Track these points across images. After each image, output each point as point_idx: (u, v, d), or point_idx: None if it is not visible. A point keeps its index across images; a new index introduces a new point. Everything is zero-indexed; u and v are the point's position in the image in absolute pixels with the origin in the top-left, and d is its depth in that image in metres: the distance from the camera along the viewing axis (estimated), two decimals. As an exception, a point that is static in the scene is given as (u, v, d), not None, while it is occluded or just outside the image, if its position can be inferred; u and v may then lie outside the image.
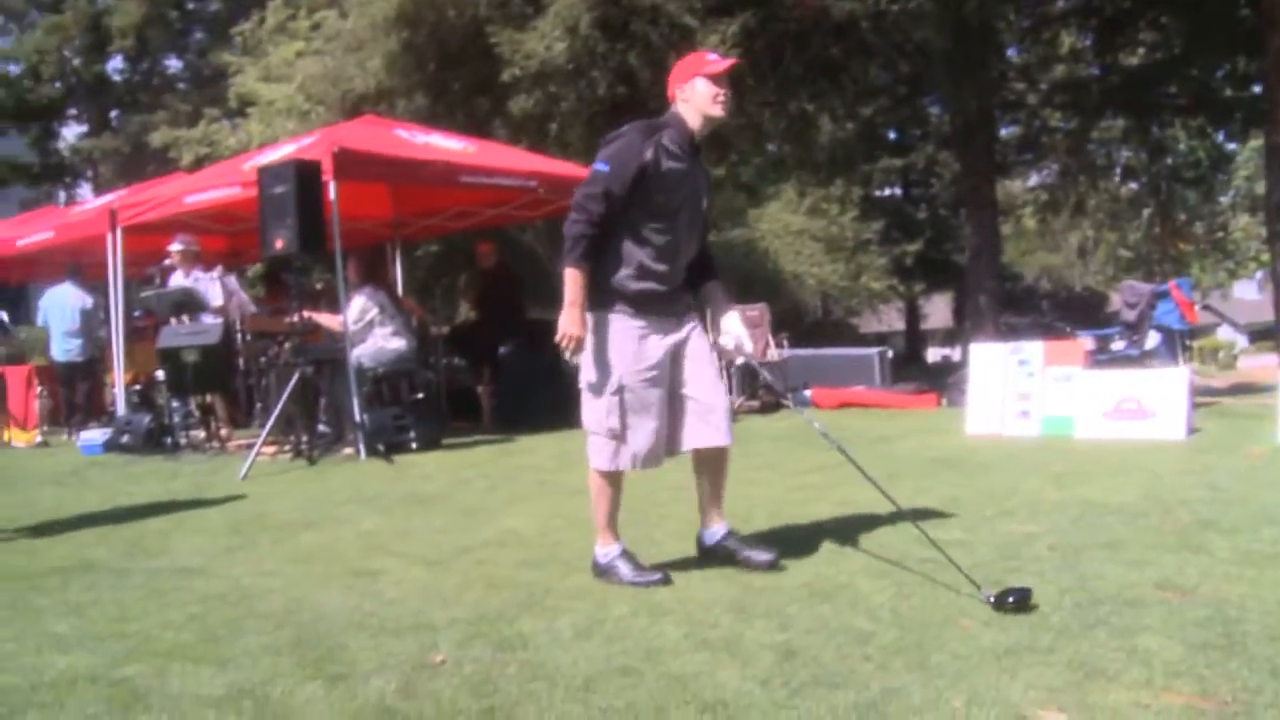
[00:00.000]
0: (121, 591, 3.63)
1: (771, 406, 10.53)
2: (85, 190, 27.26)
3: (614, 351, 3.48)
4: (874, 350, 12.24)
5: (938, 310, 40.42)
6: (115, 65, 27.56)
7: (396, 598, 3.43)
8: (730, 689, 2.48)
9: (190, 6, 27.34)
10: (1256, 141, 20.79)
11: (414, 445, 7.65)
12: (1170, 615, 2.92)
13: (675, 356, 3.59)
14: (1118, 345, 9.18)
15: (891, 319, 37.24)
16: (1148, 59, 16.36)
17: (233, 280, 9.43)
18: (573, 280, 3.41)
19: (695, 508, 3.79)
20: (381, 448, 7.31)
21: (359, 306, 7.98)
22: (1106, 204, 28.37)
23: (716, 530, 3.73)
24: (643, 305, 3.51)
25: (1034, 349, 7.79)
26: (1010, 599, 3.00)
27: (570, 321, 3.41)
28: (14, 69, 25.95)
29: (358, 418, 7.48)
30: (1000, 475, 5.58)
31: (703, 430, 3.62)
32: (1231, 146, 26.13)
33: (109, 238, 9.55)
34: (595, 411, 3.51)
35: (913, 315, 33.21)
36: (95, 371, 11.17)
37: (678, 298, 3.65)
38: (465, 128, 11.51)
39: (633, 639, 2.89)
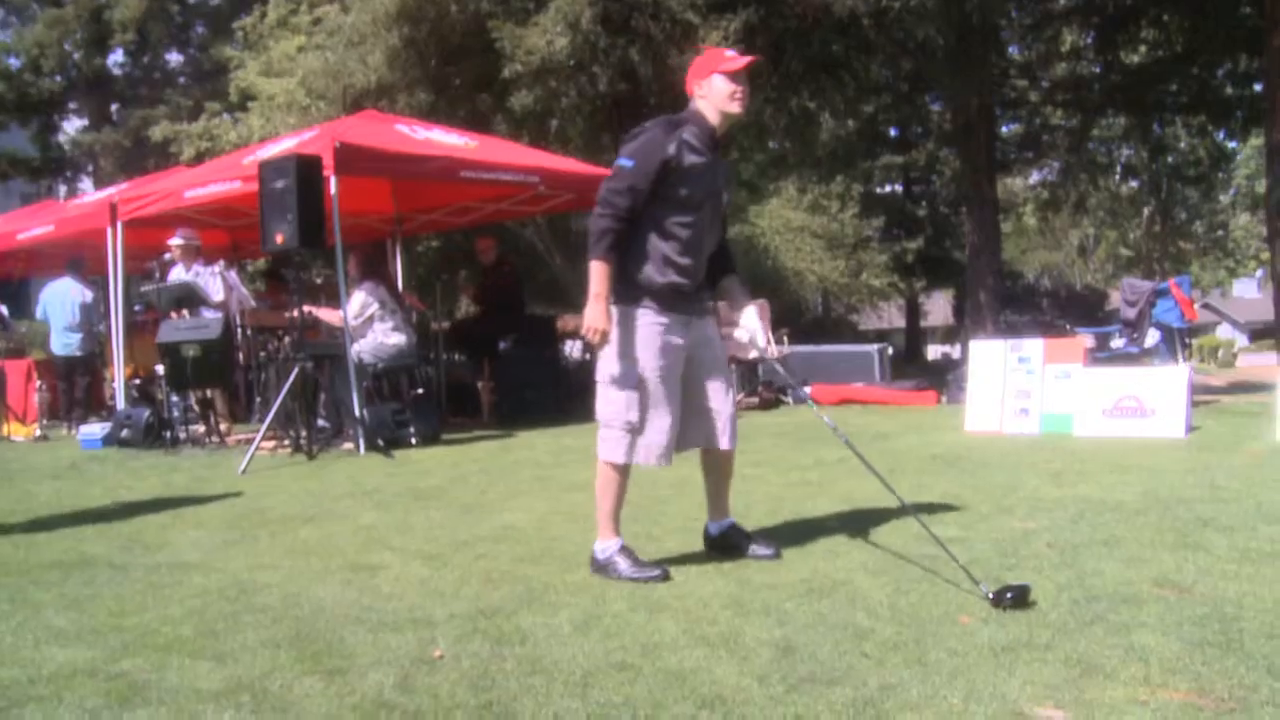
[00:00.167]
0: (120, 586, 3.63)
1: (771, 403, 10.54)
2: (86, 184, 27.28)
3: (637, 346, 3.50)
4: (874, 347, 12.27)
5: (938, 307, 40.48)
6: (116, 59, 27.58)
7: (395, 592, 3.43)
8: (728, 685, 2.48)
9: (191, 1, 27.34)
10: (1257, 140, 20.81)
11: (413, 440, 7.67)
12: (1168, 612, 2.93)
13: (690, 355, 3.62)
14: (1117, 343, 9.19)
15: (892, 316, 37.29)
16: (1149, 57, 16.35)
17: (233, 275, 9.44)
18: (599, 273, 3.43)
19: (694, 504, 3.80)
20: (381, 443, 7.31)
21: (359, 302, 7.99)
22: (1107, 202, 28.41)
23: (724, 521, 3.82)
24: (667, 300, 3.53)
25: (1034, 346, 7.79)
26: (1008, 596, 3.00)
27: (596, 315, 3.42)
28: (15, 63, 25.96)
29: (357, 413, 7.48)
30: (999, 472, 5.58)
31: (709, 432, 3.67)
32: (1232, 145, 26.13)
33: (109, 232, 9.55)
34: (614, 404, 3.52)
35: (913, 312, 33.23)
36: (95, 366, 11.17)
37: (699, 293, 3.68)
38: (466, 123, 11.51)
39: (631, 634, 2.89)
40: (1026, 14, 16.06)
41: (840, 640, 2.77)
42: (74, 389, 10.99)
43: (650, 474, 3.71)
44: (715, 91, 3.56)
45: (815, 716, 2.29)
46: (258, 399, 8.96)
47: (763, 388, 10.64)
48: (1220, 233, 40.89)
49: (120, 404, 9.44)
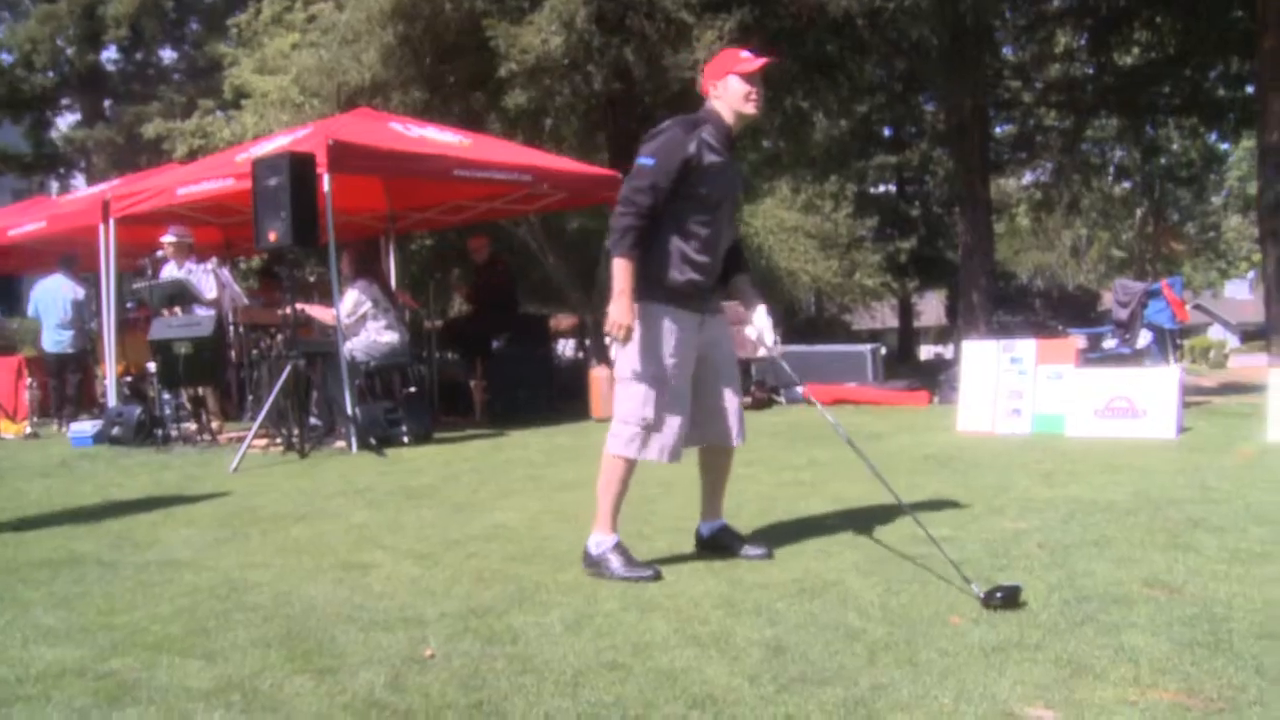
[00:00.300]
0: (110, 584, 3.62)
1: (764, 403, 10.55)
2: (79, 181, 27.18)
3: (657, 342, 3.53)
4: (866, 347, 12.26)
5: (931, 308, 40.52)
6: (109, 55, 27.46)
7: (386, 591, 3.43)
8: (718, 684, 2.48)
9: (185, -3, 27.25)
10: (1249, 142, 20.87)
11: (405, 439, 7.66)
12: (1158, 613, 2.93)
13: (702, 354, 3.65)
14: (1109, 343, 9.22)
15: (885, 316, 37.35)
16: (1142, 59, 16.39)
17: (226, 272, 9.41)
18: (622, 270, 3.46)
19: (684, 503, 3.80)
20: (373, 441, 7.30)
21: (352, 300, 7.97)
22: (1100, 203, 28.46)
23: (716, 522, 3.84)
24: (684, 298, 3.58)
25: (1026, 347, 7.81)
26: (999, 596, 3.01)
27: (621, 311, 3.45)
28: (7, 58, 25.82)
29: (349, 411, 7.47)
30: (991, 473, 5.59)
31: (721, 430, 3.72)
32: (1224, 147, 26.23)
33: (101, 229, 9.52)
34: (632, 400, 3.54)
35: (906, 312, 33.25)
36: (86, 363, 11.14)
37: (713, 292, 3.73)
38: (460, 121, 11.49)
39: (622, 634, 2.89)
40: (1020, 15, 16.09)
41: (831, 640, 2.78)
42: (65, 386, 10.95)
43: (640, 473, 3.71)
44: (731, 92, 3.60)
45: (806, 716, 2.29)
46: (250, 397, 8.93)
47: (755, 387, 10.64)
48: (1212, 234, 41.04)
49: (112, 401, 9.42)
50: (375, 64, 12.15)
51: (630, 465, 3.58)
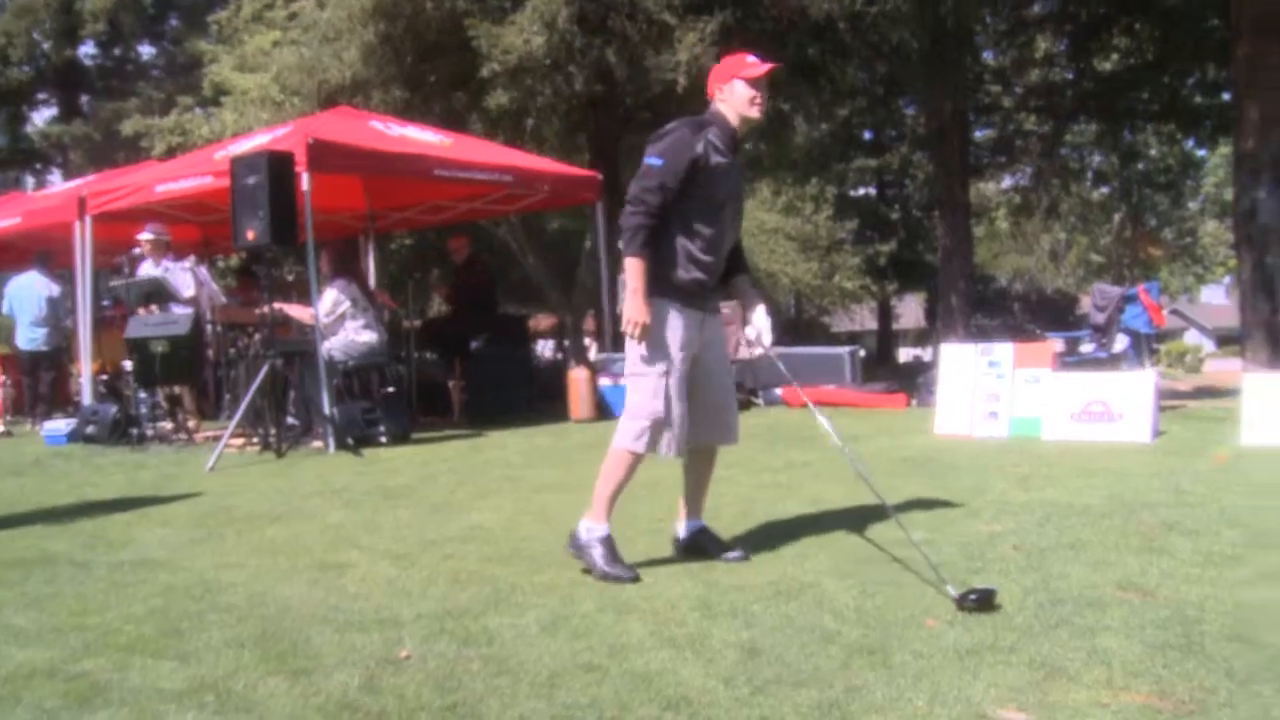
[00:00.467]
0: (83, 584, 3.59)
1: (742, 405, 10.55)
2: (55, 176, 26.93)
3: (665, 339, 3.57)
4: (845, 349, 12.27)
5: (910, 310, 40.70)
6: (87, 50, 27.25)
7: (362, 592, 3.42)
8: (694, 686, 2.49)
9: (164, -7, 27.07)
10: (1225, 148, 21.07)
11: (383, 439, 7.62)
12: (1131, 616, 2.96)
13: (699, 354, 3.69)
14: (1086, 348, 9.27)
15: (864, 318, 37.44)
16: (1121, 65, 16.51)
17: (204, 271, 9.35)
18: (634, 269, 3.51)
19: (665, 506, 3.80)
20: (350, 441, 7.27)
21: (331, 299, 7.93)
22: (1078, 207, 28.61)
23: (693, 523, 3.86)
24: (689, 296, 3.62)
25: (1004, 350, 7.84)
26: (973, 598, 3.03)
27: (635, 309, 3.50)
28: (-18, 51, 25.59)
29: (327, 411, 7.44)
30: (967, 476, 5.61)
31: (722, 429, 3.78)
32: (1201, 153, 26.45)
33: (77, 225, 9.44)
34: (641, 393, 3.59)
35: (885, 315, 33.40)
36: (61, 361, 11.04)
37: (715, 291, 3.78)
38: (441, 121, 11.47)
39: (598, 635, 2.89)
40: (1001, 20, 16.17)
41: (807, 643, 2.78)
42: (39, 384, 10.85)
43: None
44: (736, 96, 3.65)
45: (781, 718, 2.30)
46: (227, 396, 8.88)
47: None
48: (1189, 239, 41.37)
49: (86, 400, 9.34)
50: (356, 62, 12.10)
51: (637, 459, 3.61)
